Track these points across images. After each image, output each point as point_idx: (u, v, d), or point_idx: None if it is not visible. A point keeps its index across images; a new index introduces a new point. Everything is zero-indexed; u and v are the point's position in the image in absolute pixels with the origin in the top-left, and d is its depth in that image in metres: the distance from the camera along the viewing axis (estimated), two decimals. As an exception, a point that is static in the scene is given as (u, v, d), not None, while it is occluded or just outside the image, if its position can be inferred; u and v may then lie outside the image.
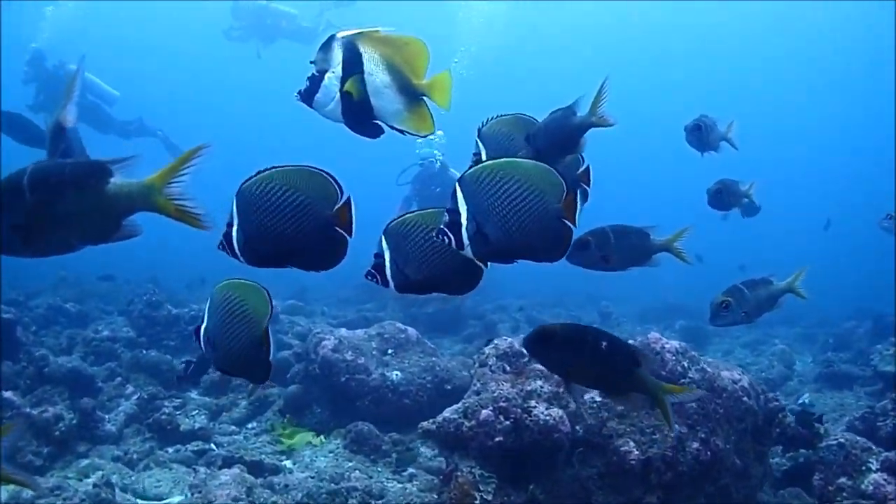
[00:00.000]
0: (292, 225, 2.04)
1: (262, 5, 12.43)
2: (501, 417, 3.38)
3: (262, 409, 5.36)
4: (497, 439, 3.34)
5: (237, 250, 2.09)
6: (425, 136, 2.44)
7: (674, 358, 3.92)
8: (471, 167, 2.51)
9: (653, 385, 2.22)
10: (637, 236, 3.21)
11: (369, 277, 2.27)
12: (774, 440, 4.22)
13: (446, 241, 2.07)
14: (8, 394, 4.71)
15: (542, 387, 3.56)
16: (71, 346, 6.49)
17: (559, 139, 2.77)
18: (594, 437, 3.58)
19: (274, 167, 2.05)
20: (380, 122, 2.37)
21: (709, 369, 3.98)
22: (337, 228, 2.09)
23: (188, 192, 1.86)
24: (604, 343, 2.18)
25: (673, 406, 3.97)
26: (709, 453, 3.62)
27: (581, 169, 2.68)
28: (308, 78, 2.32)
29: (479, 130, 2.66)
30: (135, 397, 5.43)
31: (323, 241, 2.11)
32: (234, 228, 2.05)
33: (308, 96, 2.31)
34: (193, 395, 5.75)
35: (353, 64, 2.28)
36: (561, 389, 3.65)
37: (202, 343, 2.23)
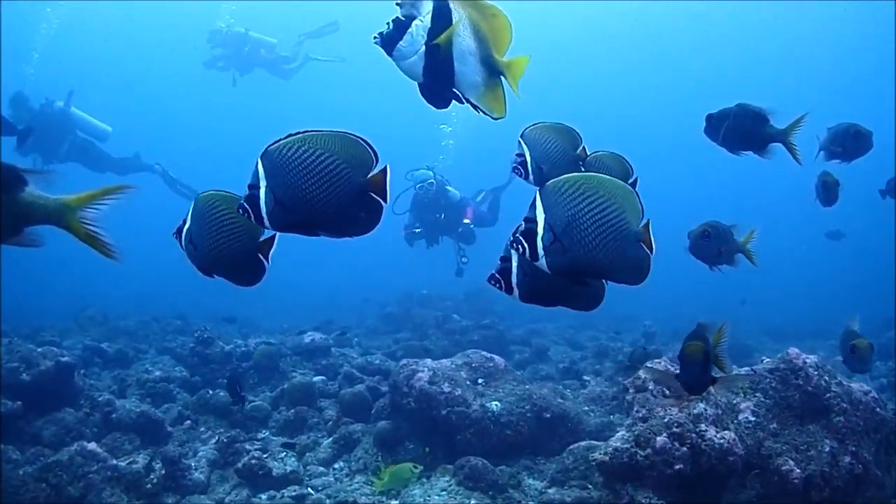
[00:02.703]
0: (328, 188, 1.96)
1: (240, 33, 12.31)
2: (677, 444, 3.15)
3: (348, 448, 5.05)
4: (677, 467, 3.11)
5: (264, 214, 1.99)
6: (497, 119, 2.20)
7: (816, 373, 3.76)
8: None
9: None
10: (731, 235, 3.31)
11: (492, 282, 2.19)
12: None
13: (520, 250, 1.97)
14: (91, 445, 4.36)
15: (706, 409, 3.35)
16: (123, 389, 6.14)
17: (747, 134, 3.05)
18: (753, 458, 3.41)
19: (306, 130, 1.95)
20: (455, 92, 2.16)
21: (844, 382, 3.85)
22: (372, 195, 2.02)
23: (103, 221, 1.90)
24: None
25: (821, 422, 3.81)
26: (861, 466, 3.52)
27: (630, 180, 2.55)
28: (392, 20, 2.08)
29: (523, 133, 2.54)
30: (213, 441, 5.10)
31: (357, 207, 2.01)
32: (262, 191, 1.97)
33: (389, 43, 2.08)
34: (267, 435, 5.43)
35: (443, 18, 2.07)
36: (720, 411, 3.45)
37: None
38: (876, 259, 20.64)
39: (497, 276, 2.18)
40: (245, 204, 2.00)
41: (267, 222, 2.01)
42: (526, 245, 1.98)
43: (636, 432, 3.23)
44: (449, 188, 8.13)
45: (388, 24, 2.09)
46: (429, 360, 5.19)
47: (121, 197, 1.90)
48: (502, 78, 2.15)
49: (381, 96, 24.55)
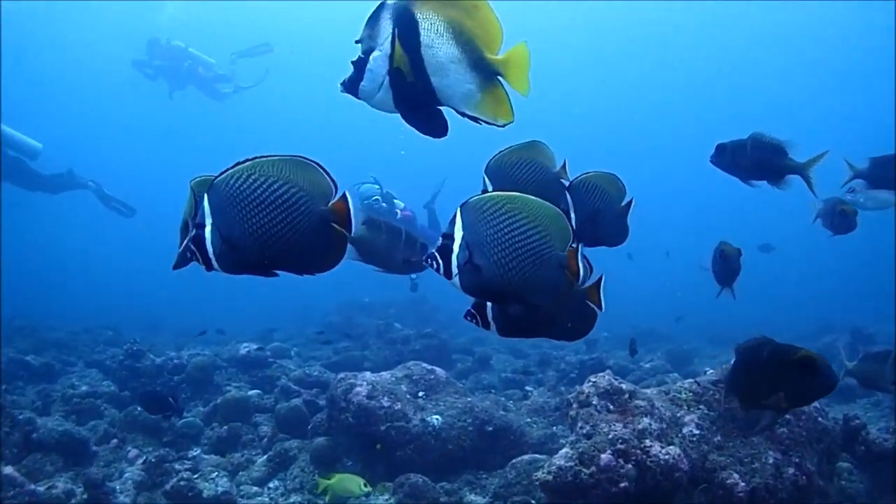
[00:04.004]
0: (283, 221, 1.76)
1: (181, 48, 12.16)
2: (622, 461, 3.06)
3: (283, 466, 4.85)
4: (622, 485, 3.01)
5: (211, 256, 1.77)
6: (504, 125, 1.99)
7: (760, 384, 3.69)
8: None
9: None
10: None
11: (468, 318, 2.13)
12: (860, 458, 4.12)
13: (435, 266, 1.90)
14: (7, 469, 4.12)
15: (650, 424, 3.27)
16: (47, 405, 5.85)
17: (765, 166, 3.16)
18: (698, 472, 3.34)
19: (256, 157, 1.75)
20: (449, 110, 1.98)
21: (787, 393, 3.82)
22: (334, 225, 1.83)
23: None
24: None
25: (765, 434, 3.81)
26: (804, 477, 3.48)
27: (624, 202, 2.52)
28: (352, 62, 1.93)
29: (486, 166, 2.40)
30: (140, 461, 4.86)
31: (320, 240, 1.82)
32: (207, 230, 1.75)
33: (352, 86, 1.93)
34: (198, 453, 5.21)
35: (407, 35, 1.87)
36: (665, 425, 3.37)
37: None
38: (813, 265, 21.09)
39: (472, 311, 2.11)
40: (191, 245, 1.79)
41: (216, 265, 1.79)
42: (440, 262, 1.90)
43: (580, 450, 3.12)
44: (396, 200, 7.86)
45: (351, 66, 1.94)
46: (368, 374, 5.02)
47: None
48: (500, 79, 1.94)
49: (324, 107, 24.28)
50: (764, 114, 25.34)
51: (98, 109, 28.38)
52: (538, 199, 1.92)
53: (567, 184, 2.46)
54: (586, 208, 2.45)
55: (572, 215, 2.43)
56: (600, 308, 2.15)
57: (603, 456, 3.05)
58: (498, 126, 1.98)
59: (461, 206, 1.90)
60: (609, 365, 7.52)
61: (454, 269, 1.89)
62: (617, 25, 25.25)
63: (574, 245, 1.93)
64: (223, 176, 1.74)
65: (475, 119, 1.97)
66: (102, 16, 23.55)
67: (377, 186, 7.52)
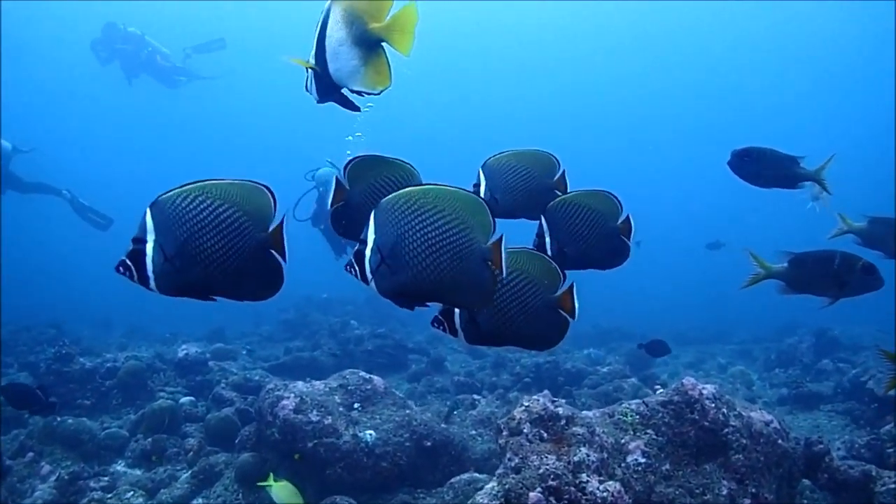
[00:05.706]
0: (226, 245, 1.74)
1: (138, 35, 12.05)
2: (553, 500, 2.77)
3: (208, 483, 4.53)
4: (550, 529, 2.72)
5: (150, 273, 1.72)
6: (379, 92, 2.01)
7: (713, 406, 3.43)
8: None
9: None
10: None
11: (435, 325, 2.05)
12: (821, 486, 3.86)
13: (352, 272, 1.85)
14: None
15: (588, 455, 2.98)
16: (-34, 414, 5.49)
17: (776, 172, 3.43)
18: (643, 507, 3.07)
19: (204, 180, 1.74)
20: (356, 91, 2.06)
21: (743, 413, 3.55)
22: (273, 252, 1.81)
23: None
24: None
25: (719, 461, 3.55)
26: (760, 510, 3.21)
27: (622, 219, 2.41)
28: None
29: (485, 162, 2.38)
30: (52, 478, 4.53)
31: (257, 266, 1.80)
32: (150, 246, 1.70)
33: (307, 87, 2.10)
34: (121, 467, 4.88)
35: (320, 32, 2.00)
36: (605, 455, 3.09)
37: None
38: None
39: (439, 317, 2.04)
40: (127, 261, 1.72)
41: (153, 284, 1.73)
42: (357, 268, 1.84)
43: (507, 486, 2.83)
44: None
45: None
46: (299, 384, 4.68)
47: None
48: (384, 45, 1.96)
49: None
50: (763, 114, 25.31)
51: (65, 99, 27.90)
52: (455, 189, 1.85)
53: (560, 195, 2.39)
54: (565, 231, 2.34)
55: (547, 239, 2.35)
56: (573, 316, 2.05)
57: (532, 494, 2.77)
58: (375, 94, 2.00)
59: (376, 207, 1.83)
60: (566, 368, 7.27)
61: (369, 275, 1.82)
62: (616, 24, 25.12)
63: (498, 236, 1.85)
64: (170, 194, 1.70)
65: (358, 93, 2.02)
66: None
67: (334, 170, 7.31)
